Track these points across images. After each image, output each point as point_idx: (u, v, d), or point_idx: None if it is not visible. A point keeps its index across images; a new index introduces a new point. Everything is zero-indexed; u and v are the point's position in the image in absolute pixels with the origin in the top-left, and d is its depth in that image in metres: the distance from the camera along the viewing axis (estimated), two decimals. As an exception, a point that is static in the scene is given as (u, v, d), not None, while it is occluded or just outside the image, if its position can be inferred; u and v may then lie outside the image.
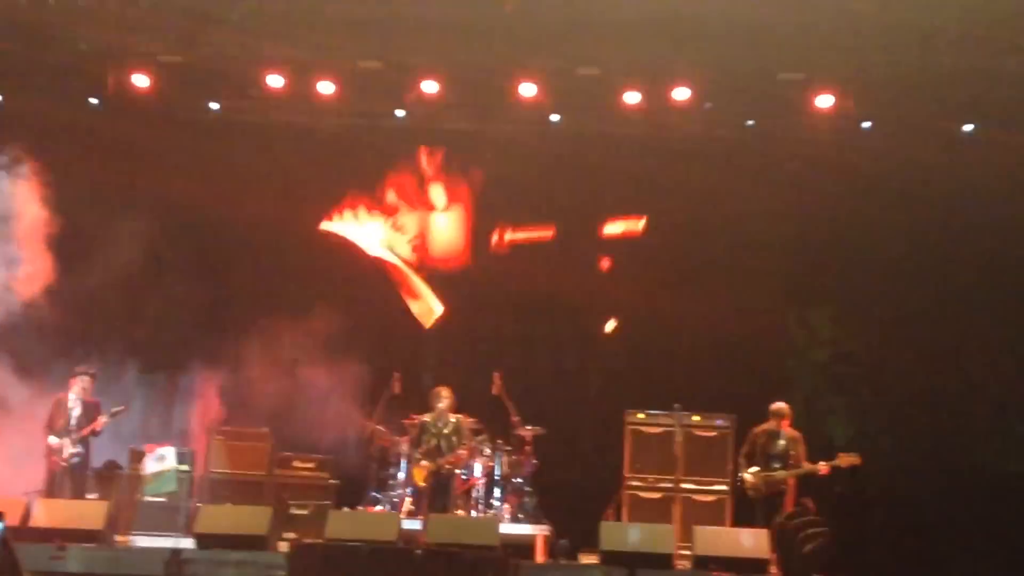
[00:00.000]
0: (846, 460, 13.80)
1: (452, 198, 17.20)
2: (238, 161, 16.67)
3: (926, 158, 15.49)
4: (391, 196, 17.19)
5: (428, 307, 16.96)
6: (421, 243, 17.15)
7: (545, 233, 16.86)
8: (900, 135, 15.63)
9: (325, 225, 17.02)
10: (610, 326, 16.03)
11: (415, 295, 17.05)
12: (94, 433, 14.12)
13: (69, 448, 13.95)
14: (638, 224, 16.65)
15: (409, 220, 17.23)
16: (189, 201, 16.33)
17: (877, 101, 15.54)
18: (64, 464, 13.96)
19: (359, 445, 15.51)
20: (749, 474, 14.08)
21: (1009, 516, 14.80)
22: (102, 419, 14.04)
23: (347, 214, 17.07)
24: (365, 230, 17.09)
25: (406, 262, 17.11)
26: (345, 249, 17.01)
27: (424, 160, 17.21)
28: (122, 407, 14.31)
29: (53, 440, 13.94)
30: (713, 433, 15.08)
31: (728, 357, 16.02)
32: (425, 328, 16.82)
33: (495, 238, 16.96)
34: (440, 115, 16.51)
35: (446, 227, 17.19)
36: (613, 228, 16.73)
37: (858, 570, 13.23)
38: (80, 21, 15.07)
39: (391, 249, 17.11)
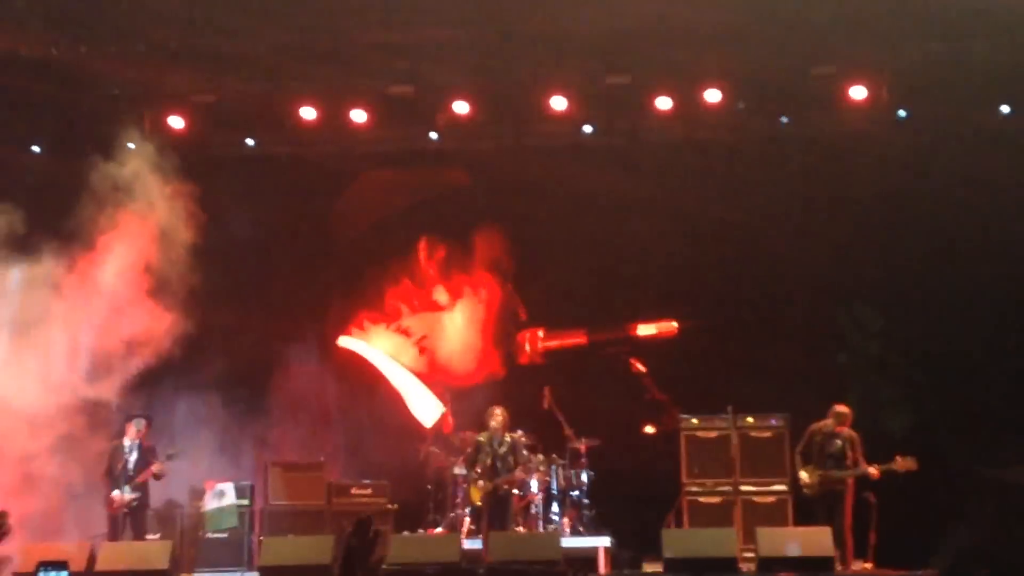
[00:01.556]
0: (902, 464, 13.71)
1: (455, 295, 17.24)
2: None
3: (964, 145, 15.40)
4: (393, 300, 17.30)
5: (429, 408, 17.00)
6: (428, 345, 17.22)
7: (578, 339, 16.94)
8: (937, 124, 15.52)
9: (343, 341, 17.19)
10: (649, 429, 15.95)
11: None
12: (155, 478, 14.19)
13: (128, 493, 14.01)
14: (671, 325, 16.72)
15: (414, 323, 17.33)
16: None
17: (912, 90, 15.45)
18: (124, 509, 14.03)
19: (416, 468, 15.60)
20: (805, 473, 14.03)
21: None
22: (156, 465, 14.10)
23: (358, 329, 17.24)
24: (373, 342, 17.22)
25: (413, 370, 17.18)
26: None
27: (423, 256, 17.26)
28: (177, 449, 14.38)
29: (115, 491, 13.99)
30: (768, 434, 15.02)
31: (779, 356, 15.91)
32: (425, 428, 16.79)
33: (527, 347, 17.06)
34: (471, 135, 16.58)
35: (457, 327, 17.20)
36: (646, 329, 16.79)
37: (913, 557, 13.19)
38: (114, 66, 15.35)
39: (396, 358, 17.20)
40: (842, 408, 14.17)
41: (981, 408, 15.43)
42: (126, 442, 14.19)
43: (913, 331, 15.92)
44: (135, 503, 14.05)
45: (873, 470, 13.73)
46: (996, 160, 15.37)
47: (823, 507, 13.90)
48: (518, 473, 14.39)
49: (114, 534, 14.06)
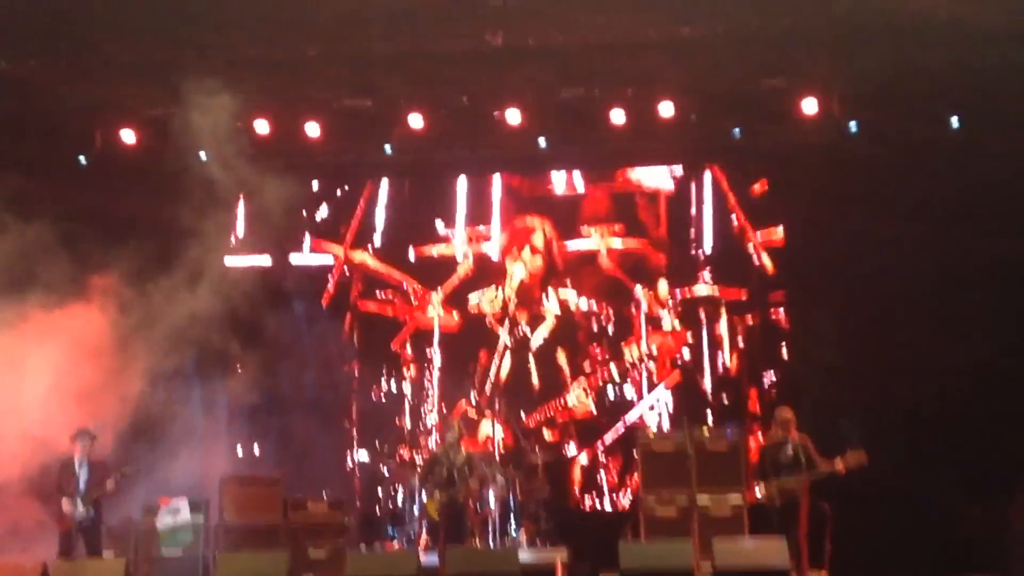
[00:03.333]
0: (854, 458, 13.72)
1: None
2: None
3: (914, 156, 15.56)
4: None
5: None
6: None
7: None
8: (888, 136, 15.66)
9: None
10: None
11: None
12: (105, 495, 14.03)
13: (80, 510, 13.84)
14: None
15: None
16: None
17: (862, 102, 15.60)
18: (75, 526, 13.86)
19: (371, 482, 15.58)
20: (763, 487, 14.06)
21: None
22: (111, 481, 13.95)
23: None
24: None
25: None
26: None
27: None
28: (132, 466, 14.23)
29: (65, 503, 13.83)
30: (724, 447, 15.07)
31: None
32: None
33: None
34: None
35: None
36: None
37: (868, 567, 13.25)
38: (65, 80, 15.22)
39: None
40: (781, 413, 14.12)
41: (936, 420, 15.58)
42: (75, 458, 14.00)
43: (867, 340, 16.01)
44: (87, 522, 13.91)
45: (838, 463, 13.68)
46: (946, 171, 15.57)
47: (781, 518, 13.93)
48: (472, 484, 14.37)
49: (67, 551, 13.87)
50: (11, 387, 14.54)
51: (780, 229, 16.82)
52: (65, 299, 14.77)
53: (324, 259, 17.65)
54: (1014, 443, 14.95)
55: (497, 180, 17.59)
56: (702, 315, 17.14)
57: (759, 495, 14.02)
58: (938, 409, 15.44)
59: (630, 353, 17.14)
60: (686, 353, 17.17)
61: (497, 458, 15.38)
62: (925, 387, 15.53)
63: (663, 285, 17.23)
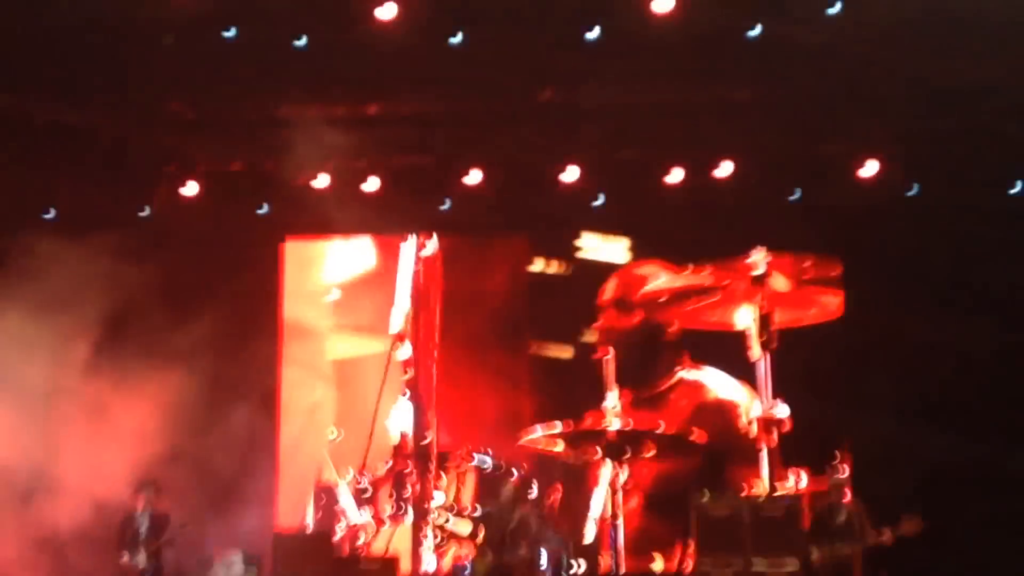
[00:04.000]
0: (909, 526, 13.57)
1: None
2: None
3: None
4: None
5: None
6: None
7: None
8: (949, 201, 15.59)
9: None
10: None
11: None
12: (165, 546, 14.10)
13: (140, 562, 13.91)
14: None
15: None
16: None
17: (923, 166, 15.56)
18: (136, 576, 13.91)
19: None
20: (815, 552, 13.89)
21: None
22: (168, 532, 14.03)
23: None
24: None
25: None
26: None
27: None
28: (187, 523, 14.31)
29: (125, 556, 13.91)
30: (780, 512, 14.87)
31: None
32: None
33: None
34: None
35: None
36: None
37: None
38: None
39: None
40: (843, 477, 14.05)
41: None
42: (138, 509, 14.06)
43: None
44: (148, 573, 13.95)
45: (885, 534, 13.53)
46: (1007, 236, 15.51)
47: (833, 586, 13.78)
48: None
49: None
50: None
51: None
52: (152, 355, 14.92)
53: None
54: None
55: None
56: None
57: (810, 553, 13.87)
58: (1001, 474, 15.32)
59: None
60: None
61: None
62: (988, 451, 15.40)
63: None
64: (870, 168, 15.61)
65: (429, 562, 14.81)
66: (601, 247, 16.81)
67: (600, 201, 16.28)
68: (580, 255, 16.85)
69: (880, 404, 15.66)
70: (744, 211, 15.85)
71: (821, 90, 14.99)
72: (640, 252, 16.17)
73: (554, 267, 17.07)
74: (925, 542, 13.56)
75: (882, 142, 15.58)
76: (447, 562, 14.87)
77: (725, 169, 15.87)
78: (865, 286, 15.67)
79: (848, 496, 13.84)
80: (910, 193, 15.82)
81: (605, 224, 16.78)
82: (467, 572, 14.73)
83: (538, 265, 17.05)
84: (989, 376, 15.55)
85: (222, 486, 15.77)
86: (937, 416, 15.62)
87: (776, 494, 15.00)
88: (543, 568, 14.62)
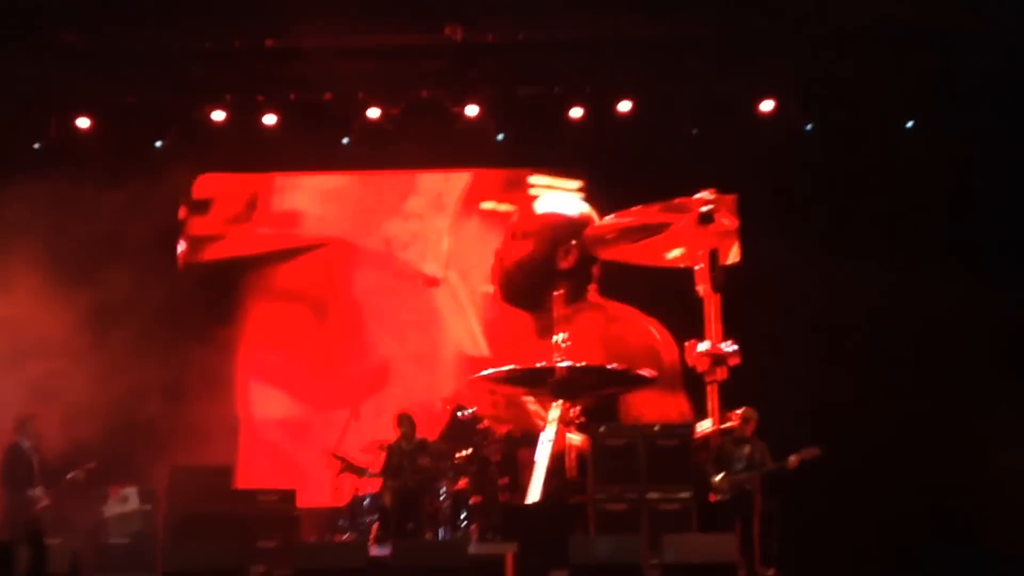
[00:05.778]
0: (809, 452, 13.88)
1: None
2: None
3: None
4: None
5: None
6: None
7: None
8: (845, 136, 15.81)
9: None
10: None
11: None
12: (73, 485, 13.91)
13: (41, 497, 13.62)
14: None
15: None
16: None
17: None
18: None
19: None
20: (716, 479, 14.17)
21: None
22: (79, 472, 13.84)
23: None
24: None
25: None
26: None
27: None
28: (93, 463, 14.17)
29: (37, 491, 13.56)
30: (674, 441, 15.10)
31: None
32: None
33: None
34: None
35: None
36: None
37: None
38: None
39: None
40: (745, 411, 14.36)
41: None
42: (23, 443, 13.81)
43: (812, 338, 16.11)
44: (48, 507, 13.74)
45: (791, 459, 13.85)
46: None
47: (732, 511, 14.03)
48: (423, 460, 14.45)
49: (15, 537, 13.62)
50: None
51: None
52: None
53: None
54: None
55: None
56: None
57: (713, 482, 14.13)
58: (884, 404, 15.61)
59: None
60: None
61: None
62: (872, 382, 15.70)
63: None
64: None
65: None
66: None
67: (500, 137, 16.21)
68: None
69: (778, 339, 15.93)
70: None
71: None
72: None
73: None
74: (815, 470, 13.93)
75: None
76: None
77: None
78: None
79: (751, 429, 14.19)
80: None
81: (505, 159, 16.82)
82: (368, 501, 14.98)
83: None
84: (884, 309, 15.80)
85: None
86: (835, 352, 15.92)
87: (668, 423, 15.41)
88: (441, 497, 14.87)
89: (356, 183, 17.31)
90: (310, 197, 17.27)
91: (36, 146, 15.95)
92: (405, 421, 14.89)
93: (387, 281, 17.12)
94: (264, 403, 17.10)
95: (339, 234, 17.20)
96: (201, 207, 17.16)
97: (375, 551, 13.76)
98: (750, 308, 15.34)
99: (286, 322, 17.20)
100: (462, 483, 14.87)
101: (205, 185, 17.17)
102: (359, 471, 15.12)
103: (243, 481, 15.96)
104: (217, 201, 17.23)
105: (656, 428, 15.10)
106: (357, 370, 17.02)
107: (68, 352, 14.84)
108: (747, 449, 14.20)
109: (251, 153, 16.53)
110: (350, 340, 17.14)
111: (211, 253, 17.22)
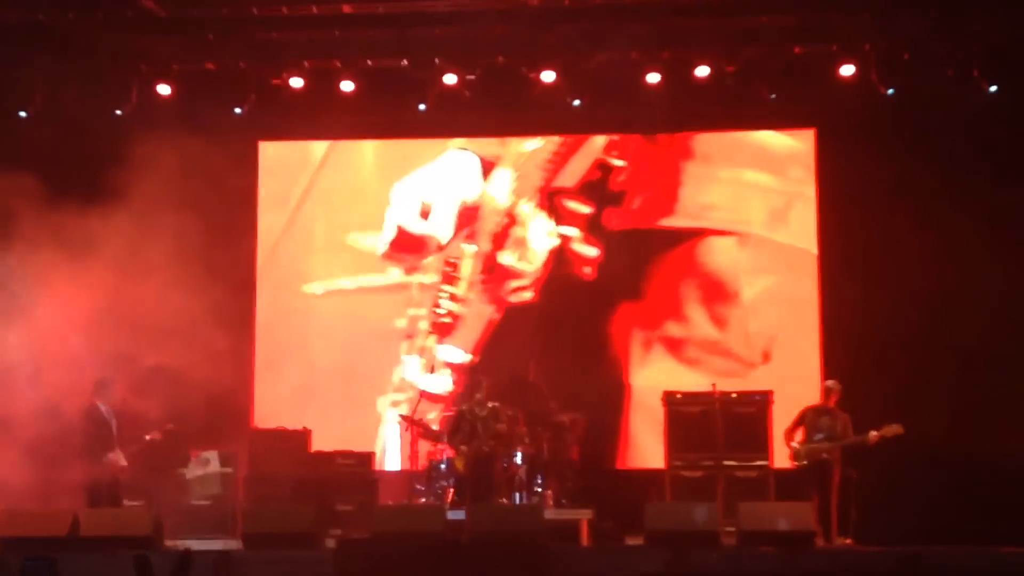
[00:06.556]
0: (891, 430, 13.80)
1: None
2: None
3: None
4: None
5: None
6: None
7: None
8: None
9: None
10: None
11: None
12: (148, 444, 14.06)
13: (122, 459, 13.74)
14: None
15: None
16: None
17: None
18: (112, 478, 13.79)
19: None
20: (795, 444, 14.12)
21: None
22: (156, 432, 14.01)
23: None
24: None
25: None
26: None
27: None
28: (171, 424, 14.35)
29: (115, 455, 13.65)
30: (751, 409, 15.06)
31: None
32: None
33: None
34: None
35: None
36: None
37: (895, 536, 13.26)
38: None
39: None
40: (831, 383, 14.32)
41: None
42: (102, 407, 13.91)
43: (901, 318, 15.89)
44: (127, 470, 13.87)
45: (872, 435, 13.78)
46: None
47: (809, 481, 13.96)
48: (500, 426, 14.46)
49: (97, 502, 13.86)
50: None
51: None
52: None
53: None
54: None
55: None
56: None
57: (792, 447, 14.08)
58: (968, 375, 15.40)
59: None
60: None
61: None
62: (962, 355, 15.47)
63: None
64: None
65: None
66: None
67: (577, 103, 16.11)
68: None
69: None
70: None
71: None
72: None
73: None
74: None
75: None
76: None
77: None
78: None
79: (834, 400, 14.10)
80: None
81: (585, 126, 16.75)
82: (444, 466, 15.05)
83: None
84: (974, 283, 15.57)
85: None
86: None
87: (746, 391, 15.35)
88: (518, 462, 14.90)
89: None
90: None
91: (118, 112, 16.03)
92: (479, 386, 14.94)
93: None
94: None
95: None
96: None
97: (451, 514, 13.83)
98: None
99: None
100: (536, 448, 14.97)
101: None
102: (434, 435, 15.23)
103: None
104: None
105: (733, 395, 15.11)
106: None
107: (149, 319, 14.94)
108: (828, 420, 14.14)
109: (328, 118, 16.53)
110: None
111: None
